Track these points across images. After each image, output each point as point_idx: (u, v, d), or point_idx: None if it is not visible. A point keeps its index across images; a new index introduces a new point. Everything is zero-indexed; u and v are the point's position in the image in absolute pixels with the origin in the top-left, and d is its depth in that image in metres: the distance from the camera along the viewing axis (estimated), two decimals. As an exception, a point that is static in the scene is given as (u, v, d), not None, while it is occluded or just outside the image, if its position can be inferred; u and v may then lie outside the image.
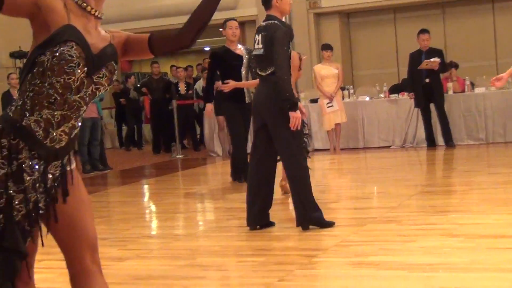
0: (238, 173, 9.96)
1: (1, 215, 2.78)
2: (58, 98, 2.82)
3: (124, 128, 19.11)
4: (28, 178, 2.83)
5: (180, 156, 15.07)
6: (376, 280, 4.56)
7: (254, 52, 6.60)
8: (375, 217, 6.69)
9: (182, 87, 16.30)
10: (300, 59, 8.38)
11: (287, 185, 8.39)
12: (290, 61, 6.53)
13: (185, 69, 17.48)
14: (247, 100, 9.63)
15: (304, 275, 4.87)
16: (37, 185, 2.86)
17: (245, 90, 9.71)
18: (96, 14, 2.92)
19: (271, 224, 6.50)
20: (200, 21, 3.02)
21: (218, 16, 12.37)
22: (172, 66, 18.09)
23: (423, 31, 13.34)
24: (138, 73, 26.83)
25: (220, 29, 10.01)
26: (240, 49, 9.63)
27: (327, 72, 13.32)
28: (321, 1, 17.91)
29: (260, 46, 6.43)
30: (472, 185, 8.51)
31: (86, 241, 3.01)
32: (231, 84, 9.15)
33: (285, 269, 4.99)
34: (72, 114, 2.87)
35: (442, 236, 5.59)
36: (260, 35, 6.44)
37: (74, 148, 3.01)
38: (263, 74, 6.37)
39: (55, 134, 2.86)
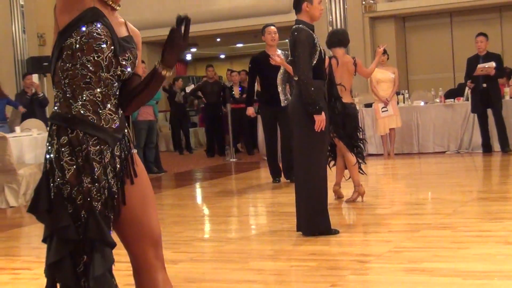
0: (273, 175, 10.71)
1: (83, 212, 2.84)
2: (93, 77, 2.88)
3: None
4: (98, 165, 2.89)
5: (234, 160, 15.13)
6: (429, 287, 4.52)
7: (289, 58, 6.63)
8: (429, 223, 6.63)
9: (236, 91, 16.36)
10: (355, 64, 8.37)
11: (340, 189, 8.39)
12: (324, 65, 6.51)
13: (239, 73, 17.57)
14: (282, 103, 9.93)
15: (356, 280, 4.85)
16: (108, 170, 2.92)
17: (281, 94, 10.01)
18: (112, 5, 2.99)
19: (335, 231, 6.45)
20: (140, 102, 3.11)
21: (275, 20, 12.53)
22: (228, 69, 18.17)
23: (480, 34, 13.20)
24: (193, 76, 26.99)
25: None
26: (279, 54, 9.79)
27: (383, 76, 13.23)
28: (376, 4, 17.81)
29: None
30: (529, 192, 8.40)
31: (150, 236, 3.04)
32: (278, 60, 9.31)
33: (337, 274, 4.98)
34: (109, 91, 2.93)
35: (497, 243, 5.52)
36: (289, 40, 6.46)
37: (127, 128, 3.07)
38: (295, 78, 6.37)
39: (105, 114, 2.92)
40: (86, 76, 2.86)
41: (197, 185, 12.13)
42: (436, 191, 9.02)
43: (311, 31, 6.36)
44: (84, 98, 2.87)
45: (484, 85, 12.75)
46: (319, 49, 6.33)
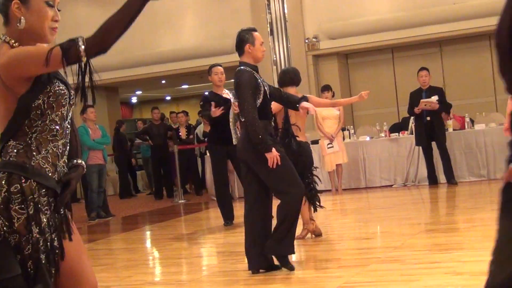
0: (225, 218, 10.48)
1: (30, 262, 2.81)
2: (59, 129, 3.01)
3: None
4: (44, 217, 2.88)
5: (183, 201, 15.06)
6: (381, 320, 4.53)
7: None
8: (379, 257, 6.67)
9: (183, 132, 16.35)
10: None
11: (314, 227, 8.35)
12: (269, 105, 6.56)
13: (187, 113, 17.59)
14: (234, 141, 9.88)
15: (308, 317, 4.84)
16: (51, 223, 2.90)
17: (233, 132, 9.96)
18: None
19: (275, 267, 6.46)
20: (127, 17, 3.05)
21: (220, 60, 12.53)
22: (171, 112, 18.19)
23: (422, 69, 13.47)
24: (139, 119, 26.93)
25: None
26: (227, 93, 9.80)
27: (329, 113, 13.37)
28: (319, 43, 18.01)
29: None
30: (475, 222, 8.50)
31: (89, 286, 3.04)
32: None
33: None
34: (67, 139, 3.07)
35: (446, 274, 5.56)
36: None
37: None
38: (242, 119, 6.39)
39: (60, 166, 3.02)
40: (53, 130, 2.99)
41: (146, 228, 12.04)
42: (384, 224, 9.09)
43: (254, 72, 6.40)
44: (48, 150, 2.98)
45: (428, 118, 12.96)
46: (263, 89, 6.36)
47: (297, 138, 7.85)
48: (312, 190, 8.10)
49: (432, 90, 13.27)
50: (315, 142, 13.93)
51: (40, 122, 2.96)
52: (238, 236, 8.79)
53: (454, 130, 13.67)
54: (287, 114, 7.80)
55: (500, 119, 14.26)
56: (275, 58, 17.10)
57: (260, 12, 17.04)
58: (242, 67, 6.41)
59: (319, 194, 8.27)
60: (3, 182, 2.87)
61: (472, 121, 14.05)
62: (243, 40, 6.50)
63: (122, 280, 6.94)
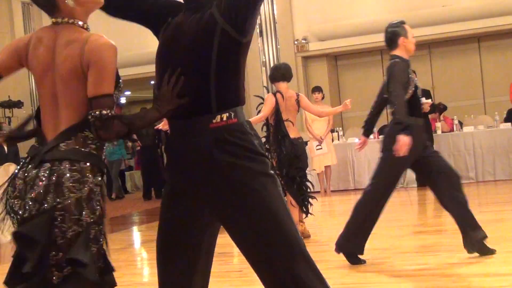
0: None
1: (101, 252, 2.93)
2: None
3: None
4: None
5: (171, 202, 15.00)
6: (369, 322, 4.53)
7: None
8: (367, 258, 6.66)
9: (171, 133, 16.30)
10: (298, 100, 8.38)
11: (303, 229, 8.32)
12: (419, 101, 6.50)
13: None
14: None
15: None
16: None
17: None
18: None
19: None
20: None
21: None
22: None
23: None
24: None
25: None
26: None
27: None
28: (308, 44, 18.03)
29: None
30: (463, 224, 8.50)
31: None
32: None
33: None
34: None
35: (434, 276, 5.57)
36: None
37: None
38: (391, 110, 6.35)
39: None
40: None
41: (135, 229, 12.01)
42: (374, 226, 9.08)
43: (407, 65, 6.34)
44: (104, 143, 3.04)
45: (418, 121, 12.99)
46: (414, 84, 6.34)
47: (289, 136, 7.83)
48: (304, 194, 8.09)
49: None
50: (304, 143, 13.91)
51: None
52: (227, 237, 8.74)
53: (443, 132, 13.70)
54: (278, 110, 7.78)
55: (488, 121, 14.31)
56: (264, 59, 17.10)
57: (249, 13, 17.03)
58: (397, 59, 6.34)
59: (311, 200, 8.25)
60: (88, 173, 2.89)
61: (460, 124, 14.09)
62: (396, 33, 6.41)
63: (110, 281, 6.90)
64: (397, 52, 6.34)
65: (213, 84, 2.81)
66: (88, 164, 2.90)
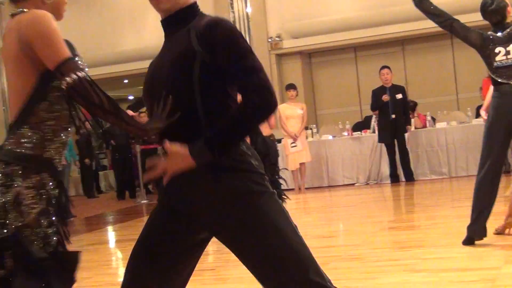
0: None
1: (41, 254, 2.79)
2: (74, 115, 2.89)
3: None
4: (53, 212, 2.87)
5: (145, 201, 14.97)
6: (339, 318, 4.51)
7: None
8: (339, 255, 6.67)
9: (145, 132, 16.23)
10: None
11: None
12: None
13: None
14: None
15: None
16: (57, 218, 2.90)
17: None
18: None
19: None
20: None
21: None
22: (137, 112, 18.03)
23: (384, 67, 13.58)
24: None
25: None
26: None
27: (292, 113, 13.39)
28: (282, 42, 18.04)
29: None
30: (435, 219, 8.54)
31: None
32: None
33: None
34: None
35: (405, 271, 5.57)
36: None
37: None
38: None
39: (63, 154, 2.95)
40: (69, 118, 2.86)
41: (108, 228, 11.94)
42: (346, 222, 9.12)
43: None
44: (60, 139, 2.88)
45: (393, 116, 13.08)
46: None
47: (262, 134, 7.81)
48: (277, 190, 8.06)
49: (395, 88, 13.37)
50: (279, 141, 13.93)
51: (58, 107, 2.84)
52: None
53: (416, 128, 13.76)
54: None
55: (461, 117, 14.38)
56: (238, 57, 17.06)
57: (223, 12, 16.98)
58: None
59: (284, 196, 8.23)
60: (17, 176, 2.77)
61: (433, 120, 14.15)
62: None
63: (82, 281, 6.80)
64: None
65: (202, 110, 2.70)
66: (18, 166, 2.79)
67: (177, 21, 2.84)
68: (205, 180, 2.70)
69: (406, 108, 13.57)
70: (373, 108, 13.70)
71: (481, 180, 6.29)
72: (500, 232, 6.65)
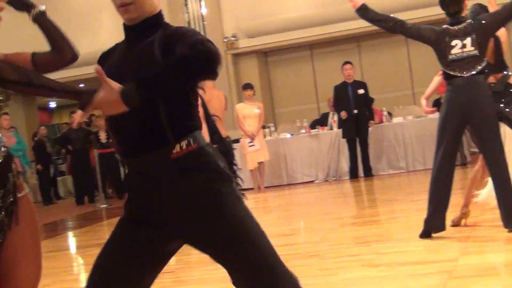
0: None
1: None
2: None
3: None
4: None
5: (105, 206, 14.86)
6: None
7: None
8: (298, 252, 6.68)
9: (102, 136, 16.11)
10: (226, 99, 8.39)
11: None
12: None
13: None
14: None
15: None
16: None
17: None
18: None
19: None
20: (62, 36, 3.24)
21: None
22: (91, 115, 17.88)
23: (346, 62, 13.71)
24: (59, 124, 26.48)
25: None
26: None
27: (249, 112, 13.39)
28: (238, 41, 18.04)
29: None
30: (394, 213, 8.61)
31: None
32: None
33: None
34: None
35: (363, 266, 5.61)
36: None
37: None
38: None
39: None
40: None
41: (68, 234, 11.84)
42: (306, 220, 9.14)
43: None
44: None
45: (356, 111, 13.18)
46: None
47: (219, 133, 7.80)
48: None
49: (357, 84, 13.50)
50: (236, 141, 13.91)
51: None
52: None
53: (375, 124, 13.86)
54: (204, 105, 7.73)
55: (417, 111, 14.49)
56: (194, 58, 17.03)
57: (177, 12, 16.96)
58: None
59: (243, 196, 8.23)
60: None
61: (390, 115, 14.26)
62: None
63: (40, 288, 6.78)
64: None
65: (164, 115, 2.67)
66: None
67: (143, 30, 2.83)
68: (172, 180, 2.69)
69: (369, 103, 13.67)
70: (335, 104, 13.78)
71: (436, 173, 6.37)
72: (456, 224, 6.73)
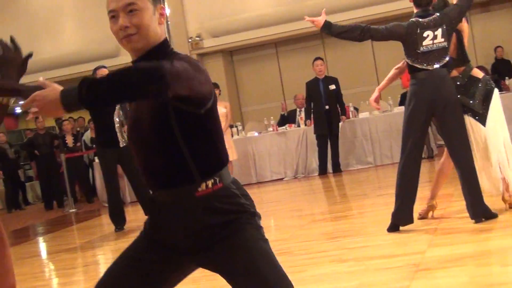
0: (116, 223, 10.19)
1: None
2: None
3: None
4: None
5: (74, 210, 14.79)
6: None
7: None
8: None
9: (69, 140, 16.02)
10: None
11: None
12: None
13: (76, 120, 17.31)
14: (121, 144, 9.70)
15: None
16: None
17: (119, 135, 9.75)
18: None
19: None
20: None
21: (102, 64, 12.09)
22: (57, 119, 17.80)
23: (317, 58, 13.77)
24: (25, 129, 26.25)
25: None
26: None
27: (215, 111, 13.38)
28: (203, 41, 18.03)
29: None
30: (362, 208, 8.67)
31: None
32: None
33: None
34: None
35: (332, 262, 5.65)
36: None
37: None
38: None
39: None
40: None
41: (37, 240, 11.76)
42: (276, 218, 9.17)
43: None
44: None
45: (327, 107, 13.23)
46: None
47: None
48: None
49: (328, 80, 13.57)
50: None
51: None
52: (131, 241, 8.67)
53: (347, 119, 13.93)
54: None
55: (383, 106, 14.58)
56: (159, 60, 17.00)
57: (141, 14, 16.90)
58: None
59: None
60: None
61: (356, 110, 14.34)
62: None
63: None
64: None
65: (188, 154, 2.67)
66: None
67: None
68: (197, 216, 2.72)
69: (340, 99, 13.73)
70: (307, 100, 13.81)
71: (402, 167, 6.44)
72: (423, 217, 6.79)
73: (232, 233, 2.73)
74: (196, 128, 2.69)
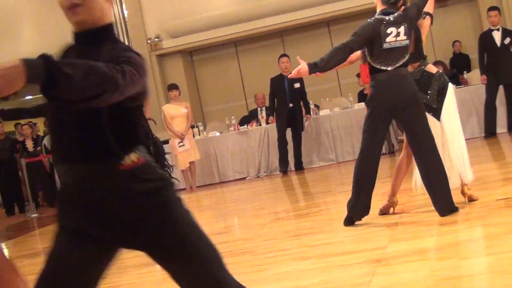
0: None
1: None
2: None
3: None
4: None
5: (36, 215, 14.64)
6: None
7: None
8: (230, 250, 6.68)
9: (29, 144, 15.86)
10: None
11: None
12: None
13: (35, 125, 17.13)
14: None
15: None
16: None
17: None
18: None
19: None
20: None
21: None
22: (16, 124, 17.60)
23: (283, 55, 13.79)
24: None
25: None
26: None
27: (176, 112, 13.35)
28: (162, 42, 17.96)
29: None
30: (324, 205, 8.69)
31: None
32: None
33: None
34: None
35: (294, 260, 5.65)
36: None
37: None
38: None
39: None
40: None
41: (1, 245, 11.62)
42: (239, 217, 9.17)
43: None
44: None
45: (291, 104, 13.24)
46: None
47: (154, 136, 7.76)
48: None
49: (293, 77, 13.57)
50: (166, 142, 13.86)
51: None
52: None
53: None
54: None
55: (344, 103, 14.67)
56: (118, 61, 16.90)
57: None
58: None
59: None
60: None
61: (317, 107, 14.38)
62: None
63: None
64: None
65: (107, 126, 2.67)
66: None
67: (89, 42, 2.77)
68: (121, 189, 2.72)
69: (304, 97, 13.72)
70: (271, 97, 13.78)
71: (360, 161, 6.49)
72: (384, 213, 6.83)
73: (159, 207, 2.75)
74: (123, 115, 2.72)
